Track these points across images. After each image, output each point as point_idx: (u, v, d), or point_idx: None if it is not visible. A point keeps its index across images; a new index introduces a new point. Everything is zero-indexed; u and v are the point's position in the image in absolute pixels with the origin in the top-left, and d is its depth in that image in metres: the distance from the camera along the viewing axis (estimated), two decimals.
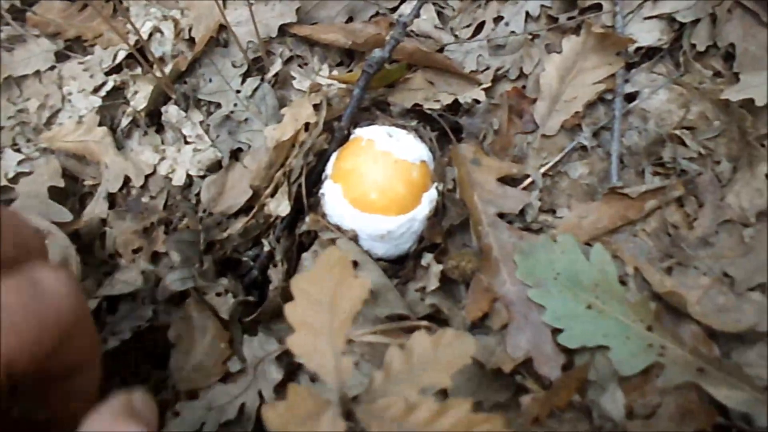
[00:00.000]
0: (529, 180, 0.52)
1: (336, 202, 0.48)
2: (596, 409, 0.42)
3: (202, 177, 0.57)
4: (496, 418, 0.28)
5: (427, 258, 0.46)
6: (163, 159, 0.58)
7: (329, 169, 0.50)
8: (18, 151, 0.61)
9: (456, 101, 0.53)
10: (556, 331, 0.44)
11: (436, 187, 0.49)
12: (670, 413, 0.41)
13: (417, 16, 0.55)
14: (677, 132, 0.51)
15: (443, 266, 0.45)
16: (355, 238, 0.48)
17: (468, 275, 0.45)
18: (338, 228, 0.49)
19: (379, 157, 0.47)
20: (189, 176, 0.57)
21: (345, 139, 0.53)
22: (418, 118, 0.55)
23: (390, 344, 0.33)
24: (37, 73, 0.65)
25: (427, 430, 0.28)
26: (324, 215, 0.50)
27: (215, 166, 0.58)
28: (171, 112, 0.59)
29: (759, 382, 0.40)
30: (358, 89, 0.53)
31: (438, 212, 0.48)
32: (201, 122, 0.60)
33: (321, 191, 0.50)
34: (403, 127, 0.52)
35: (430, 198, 0.48)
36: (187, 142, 0.59)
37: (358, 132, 0.51)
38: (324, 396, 0.30)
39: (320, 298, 0.32)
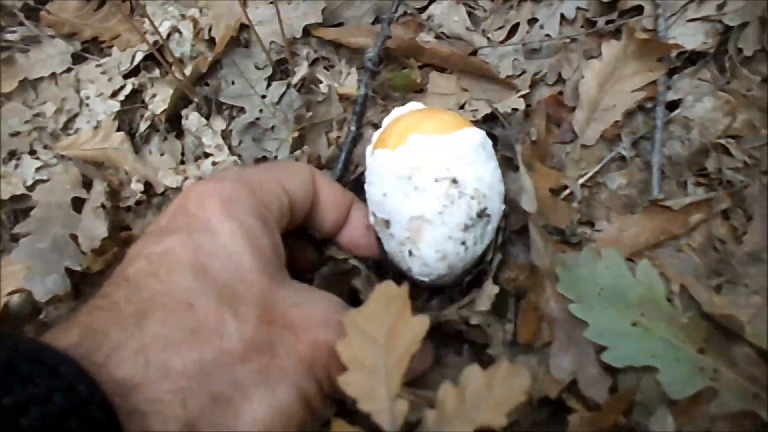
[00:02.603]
0: (567, 191, 0.50)
1: (417, 144, 0.40)
2: (643, 431, 0.40)
3: None
4: None
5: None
6: (186, 179, 0.56)
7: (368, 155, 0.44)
8: (35, 157, 0.59)
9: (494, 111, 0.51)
10: (599, 351, 0.42)
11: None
12: None
13: (396, 11, 0.55)
14: (722, 141, 0.49)
15: (501, 276, 0.43)
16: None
17: (523, 289, 0.43)
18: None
19: (417, 109, 0.45)
20: None
21: (356, 138, 0.51)
22: None
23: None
24: (53, 75, 0.63)
25: None
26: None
27: None
28: (192, 119, 0.57)
29: None
30: (363, 87, 0.52)
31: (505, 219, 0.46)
32: (222, 131, 0.58)
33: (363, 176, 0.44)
34: None
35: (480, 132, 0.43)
36: (206, 154, 0.57)
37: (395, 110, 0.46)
38: None
39: (376, 337, 0.31)
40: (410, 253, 0.41)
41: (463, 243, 0.40)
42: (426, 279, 0.42)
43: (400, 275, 0.44)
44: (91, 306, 0.30)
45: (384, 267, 0.46)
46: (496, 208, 0.42)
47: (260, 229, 0.34)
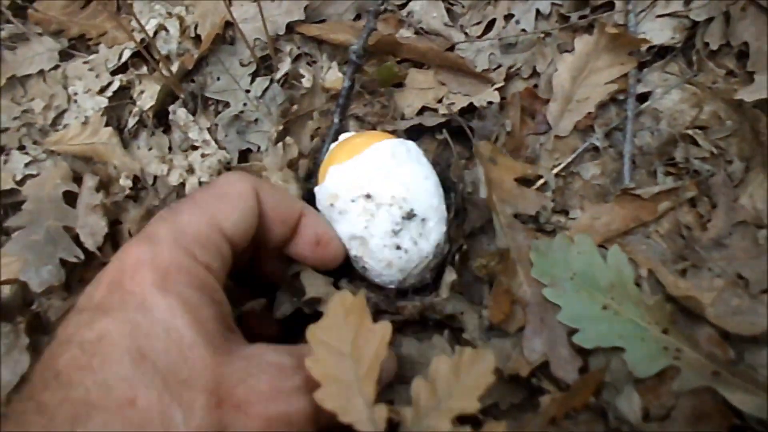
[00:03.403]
0: (541, 181, 0.52)
1: (332, 175, 0.44)
2: (612, 410, 0.42)
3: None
4: None
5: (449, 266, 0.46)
6: (171, 169, 0.58)
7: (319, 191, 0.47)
8: (25, 153, 0.61)
9: (471, 104, 0.53)
10: (571, 334, 0.44)
11: (455, 187, 0.49)
12: (685, 415, 0.41)
13: (382, 3, 0.56)
14: (690, 132, 0.51)
15: (473, 264, 0.45)
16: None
17: (494, 275, 0.45)
18: None
19: (353, 136, 0.48)
20: (200, 182, 0.57)
21: (338, 132, 0.53)
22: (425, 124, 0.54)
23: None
24: (41, 72, 0.64)
25: None
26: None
27: (224, 170, 0.57)
28: (179, 114, 0.59)
29: None
30: (347, 79, 0.53)
31: (458, 215, 0.48)
32: (209, 128, 0.59)
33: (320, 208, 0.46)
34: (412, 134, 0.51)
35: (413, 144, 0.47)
36: (194, 147, 0.58)
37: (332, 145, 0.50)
38: None
39: (340, 348, 0.31)
40: (364, 268, 0.45)
41: (399, 247, 0.43)
42: (392, 285, 0.45)
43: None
44: (19, 411, 0.28)
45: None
46: (426, 204, 0.44)
47: (200, 299, 0.32)
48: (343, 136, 0.49)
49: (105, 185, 0.58)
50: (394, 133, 0.54)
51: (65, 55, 0.65)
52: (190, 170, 0.57)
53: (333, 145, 0.48)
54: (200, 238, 0.34)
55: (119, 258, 0.33)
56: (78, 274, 0.55)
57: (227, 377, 0.31)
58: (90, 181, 0.57)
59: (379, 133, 0.47)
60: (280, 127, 0.54)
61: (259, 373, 0.32)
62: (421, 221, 0.44)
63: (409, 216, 0.43)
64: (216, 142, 0.59)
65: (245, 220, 0.37)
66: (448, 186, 0.49)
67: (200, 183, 0.57)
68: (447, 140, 0.52)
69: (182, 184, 0.57)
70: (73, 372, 0.28)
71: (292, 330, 0.44)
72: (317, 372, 0.31)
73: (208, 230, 0.35)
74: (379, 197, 0.42)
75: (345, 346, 0.32)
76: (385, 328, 0.32)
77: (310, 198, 0.48)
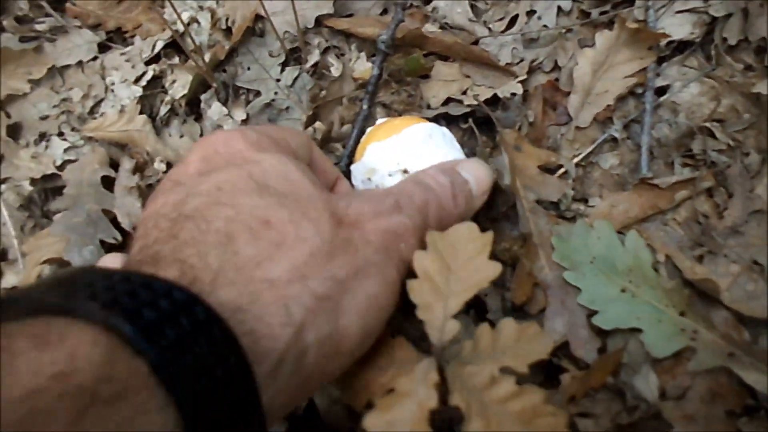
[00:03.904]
0: (562, 170, 0.54)
1: (375, 154, 0.46)
2: (629, 390, 0.44)
3: None
4: (562, 414, 0.30)
5: None
6: None
7: (354, 169, 0.49)
8: (64, 139, 0.63)
9: (494, 95, 0.55)
10: (590, 316, 0.46)
11: None
12: (701, 395, 0.43)
13: None
14: (707, 124, 0.53)
15: (497, 248, 0.47)
16: None
17: (517, 258, 0.47)
18: None
19: (388, 120, 0.50)
20: None
21: (366, 117, 0.56)
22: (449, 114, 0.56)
23: None
24: (80, 63, 0.67)
25: (501, 406, 0.30)
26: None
27: None
28: (214, 108, 0.61)
29: None
30: (376, 68, 0.56)
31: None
32: (243, 121, 0.61)
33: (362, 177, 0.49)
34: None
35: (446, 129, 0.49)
36: None
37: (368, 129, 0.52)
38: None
39: (450, 263, 0.34)
40: None
41: None
42: None
43: None
44: (170, 247, 0.30)
45: None
46: None
47: (291, 157, 0.36)
48: (380, 120, 0.51)
49: (141, 168, 0.61)
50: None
51: (103, 47, 0.68)
52: None
53: (370, 128, 0.50)
54: (273, 136, 0.38)
55: (205, 139, 0.36)
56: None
57: (336, 204, 0.34)
58: (127, 164, 0.59)
59: (416, 118, 0.49)
60: (310, 112, 0.57)
61: (359, 199, 0.36)
62: None
63: None
64: None
65: (303, 148, 0.41)
66: None
67: None
68: (472, 129, 0.54)
69: None
70: (206, 210, 0.31)
71: None
72: (419, 265, 0.34)
73: (279, 135, 0.39)
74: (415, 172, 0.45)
75: (455, 262, 0.34)
76: (497, 267, 0.35)
77: None
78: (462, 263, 0.35)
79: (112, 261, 0.36)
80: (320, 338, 0.30)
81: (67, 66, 0.67)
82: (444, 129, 0.48)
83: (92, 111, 0.65)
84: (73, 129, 0.64)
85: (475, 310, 0.48)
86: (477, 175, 0.43)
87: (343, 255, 0.32)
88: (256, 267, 0.29)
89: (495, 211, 0.49)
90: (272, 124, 0.43)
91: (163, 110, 0.65)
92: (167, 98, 0.65)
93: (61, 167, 0.62)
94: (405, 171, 0.45)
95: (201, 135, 0.63)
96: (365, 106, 0.55)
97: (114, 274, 0.26)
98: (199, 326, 0.25)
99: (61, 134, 0.64)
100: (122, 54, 0.66)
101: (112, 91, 0.65)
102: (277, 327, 0.28)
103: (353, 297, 0.31)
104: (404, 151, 0.45)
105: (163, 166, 0.61)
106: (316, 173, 0.43)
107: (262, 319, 0.28)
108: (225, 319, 0.26)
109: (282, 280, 0.29)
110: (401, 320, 0.36)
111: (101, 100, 0.65)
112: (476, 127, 0.56)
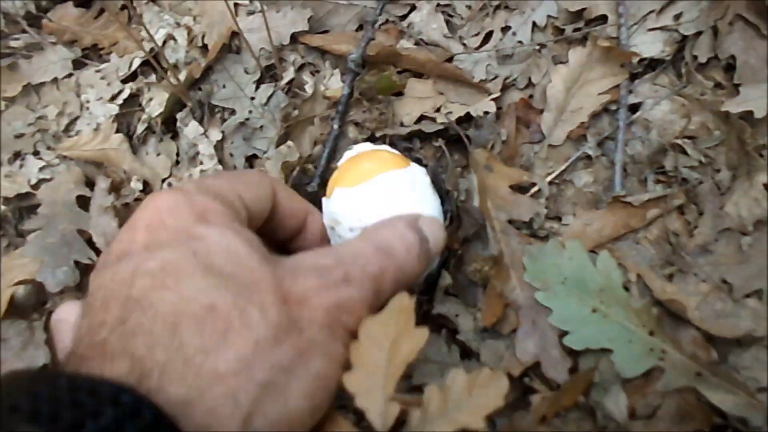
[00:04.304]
0: (535, 188, 0.54)
1: (340, 200, 0.45)
2: (600, 409, 0.44)
3: None
4: None
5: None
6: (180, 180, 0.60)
7: (324, 203, 0.47)
8: (39, 158, 0.63)
9: (468, 113, 0.55)
10: (561, 336, 0.46)
11: (449, 194, 0.51)
12: (670, 414, 0.43)
13: (380, 14, 0.59)
14: (679, 141, 0.53)
15: (467, 268, 0.47)
16: None
17: (488, 279, 0.47)
18: None
19: (361, 153, 0.48)
20: None
21: (338, 137, 0.55)
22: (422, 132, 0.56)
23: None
24: (55, 80, 0.67)
25: None
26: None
27: None
28: (190, 128, 0.61)
29: (753, 383, 0.42)
30: (347, 87, 0.56)
31: (453, 222, 0.50)
32: (218, 141, 0.61)
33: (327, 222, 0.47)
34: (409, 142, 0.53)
35: (421, 168, 0.47)
36: (200, 162, 0.61)
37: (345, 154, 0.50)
38: None
39: (382, 342, 0.34)
40: None
41: None
42: None
43: None
44: (118, 335, 0.30)
45: None
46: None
47: (239, 227, 0.36)
48: (357, 148, 0.49)
49: (116, 188, 0.61)
50: (393, 138, 0.56)
51: (78, 64, 0.68)
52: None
53: (346, 155, 0.49)
54: (223, 197, 0.37)
55: (152, 203, 0.35)
56: (90, 275, 0.57)
57: (281, 279, 0.33)
58: (103, 183, 0.59)
59: (388, 158, 0.47)
60: (282, 132, 0.57)
61: (306, 272, 0.35)
62: None
63: None
64: (222, 148, 0.61)
65: (261, 200, 0.40)
66: (443, 193, 0.51)
67: None
68: (444, 148, 0.54)
69: None
70: (153, 294, 0.30)
71: None
72: (355, 357, 0.34)
73: (231, 194, 0.38)
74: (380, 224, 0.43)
75: (386, 341, 0.34)
76: (422, 334, 0.34)
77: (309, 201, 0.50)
78: (394, 340, 0.34)
79: (68, 312, 0.36)
80: (270, 423, 0.30)
81: (43, 83, 0.67)
82: (415, 171, 0.46)
83: (67, 129, 0.65)
84: (48, 147, 0.64)
85: (447, 330, 0.48)
86: (436, 234, 0.42)
87: (288, 338, 0.32)
88: (204, 359, 0.29)
89: (464, 232, 0.50)
90: (228, 171, 0.41)
91: (140, 128, 0.65)
92: (144, 116, 0.65)
93: (35, 186, 0.62)
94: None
95: (177, 154, 0.63)
96: (336, 126, 0.55)
97: (58, 378, 0.26)
98: (147, 431, 0.25)
99: (36, 153, 0.64)
100: (97, 71, 0.66)
101: (88, 108, 0.65)
102: (226, 418, 0.29)
103: (300, 380, 0.31)
104: (368, 206, 0.43)
105: (140, 185, 0.61)
106: (282, 217, 0.43)
107: (211, 412, 0.28)
108: (173, 417, 0.26)
109: (229, 372, 0.29)
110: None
111: (76, 118, 0.65)
112: (451, 144, 0.56)
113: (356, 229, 0.44)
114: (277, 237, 0.44)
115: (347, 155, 0.49)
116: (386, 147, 0.50)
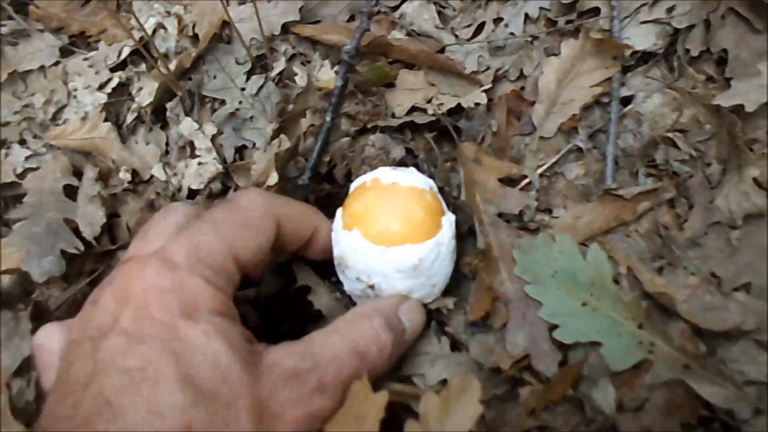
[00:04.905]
0: (526, 181, 0.54)
1: (357, 246, 0.44)
2: (588, 402, 0.44)
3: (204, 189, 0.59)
4: None
5: None
6: (174, 175, 0.59)
7: (338, 220, 0.46)
8: (25, 147, 0.62)
9: (459, 104, 0.55)
10: (551, 330, 0.46)
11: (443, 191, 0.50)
12: (657, 407, 0.43)
13: (376, 4, 0.58)
14: (670, 134, 0.53)
15: (460, 262, 0.47)
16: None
17: (477, 273, 0.47)
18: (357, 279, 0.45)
19: (389, 189, 0.46)
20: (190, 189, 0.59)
21: (330, 129, 0.55)
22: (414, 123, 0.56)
23: None
24: (42, 68, 0.66)
25: None
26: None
27: (216, 177, 0.59)
28: (185, 124, 0.60)
29: (740, 376, 0.43)
30: (340, 79, 0.55)
31: None
32: (213, 135, 0.60)
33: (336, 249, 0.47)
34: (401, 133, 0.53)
35: (449, 221, 0.46)
36: (194, 155, 0.60)
37: (360, 179, 0.48)
38: None
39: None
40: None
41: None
42: None
43: None
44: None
45: None
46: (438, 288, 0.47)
47: (224, 321, 0.35)
48: (377, 174, 0.47)
49: (104, 177, 0.60)
50: (385, 129, 0.56)
51: (65, 52, 0.67)
52: (186, 177, 0.59)
53: (364, 179, 0.47)
54: (215, 265, 0.36)
55: (141, 279, 0.34)
56: (77, 265, 0.57)
57: (259, 393, 0.33)
58: (90, 172, 0.58)
59: (420, 220, 0.45)
60: (276, 126, 0.56)
61: (282, 383, 0.35)
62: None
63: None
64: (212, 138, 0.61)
65: (261, 250, 0.40)
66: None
67: (190, 189, 0.59)
68: (434, 141, 0.54)
69: (179, 189, 0.59)
70: (124, 399, 0.30)
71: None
72: None
73: (224, 259, 0.37)
74: (379, 290, 0.44)
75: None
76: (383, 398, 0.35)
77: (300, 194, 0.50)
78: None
79: (47, 337, 0.36)
80: None
81: (29, 71, 0.66)
82: (445, 234, 0.45)
83: (54, 117, 0.64)
84: (35, 136, 0.63)
85: (437, 323, 0.48)
86: (415, 321, 0.43)
87: None
88: None
89: (459, 228, 0.49)
90: (229, 212, 0.40)
91: (130, 118, 0.64)
92: (134, 106, 0.64)
93: (21, 175, 0.61)
94: (371, 287, 0.44)
95: (167, 144, 0.62)
96: (328, 118, 0.54)
97: None
98: None
99: (22, 141, 0.63)
100: (85, 59, 0.65)
101: (75, 97, 0.64)
102: None
103: None
104: (384, 273, 0.44)
105: (128, 176, 0.61)
106: (287, 238, 0.43)
107: None
108: None
109: None
110: None
111: (63, 107, 0.64)
112: (442, 136, 0.55)
113: (362, 283, 0.44)
114: (282, 254, 0.46)
115: (366, 179, 0.47)
116: (411, 175, 0.47)
